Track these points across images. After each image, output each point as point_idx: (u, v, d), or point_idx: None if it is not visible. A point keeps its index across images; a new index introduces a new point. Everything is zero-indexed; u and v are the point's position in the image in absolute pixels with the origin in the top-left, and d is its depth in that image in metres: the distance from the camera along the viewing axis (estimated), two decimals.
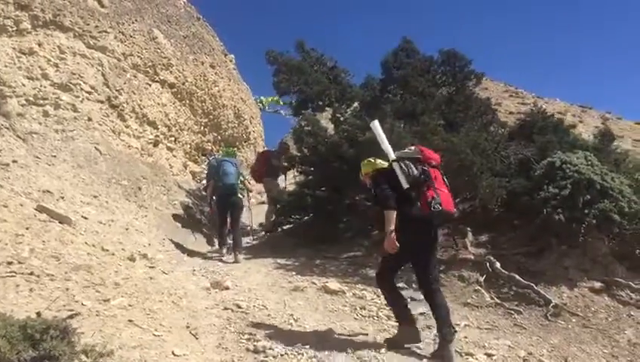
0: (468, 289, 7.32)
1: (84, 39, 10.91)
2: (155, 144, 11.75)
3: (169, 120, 12.45)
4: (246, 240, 10.71)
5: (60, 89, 10.10)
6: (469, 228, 8.37)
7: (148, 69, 12.27)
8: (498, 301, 6.83)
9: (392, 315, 5.66)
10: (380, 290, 5.40)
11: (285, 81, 11.39)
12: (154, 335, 4.09)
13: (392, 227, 4.56)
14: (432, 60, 10.17)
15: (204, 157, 14.54)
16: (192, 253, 8.84)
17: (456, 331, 4.81)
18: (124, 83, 11.26)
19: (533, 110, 9.83)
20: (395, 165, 4.79)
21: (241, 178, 9.80)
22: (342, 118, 9.90)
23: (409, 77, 9.52)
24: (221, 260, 8.66)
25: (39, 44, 10.23)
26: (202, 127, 14.57)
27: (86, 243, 5.44)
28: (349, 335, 5.14)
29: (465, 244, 8.11)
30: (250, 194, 11.23)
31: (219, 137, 15.57)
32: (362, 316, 5.92)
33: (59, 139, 9.53)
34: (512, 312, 6.56)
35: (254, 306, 5.87)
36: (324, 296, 6.65)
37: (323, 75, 11.55)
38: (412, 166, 4.75)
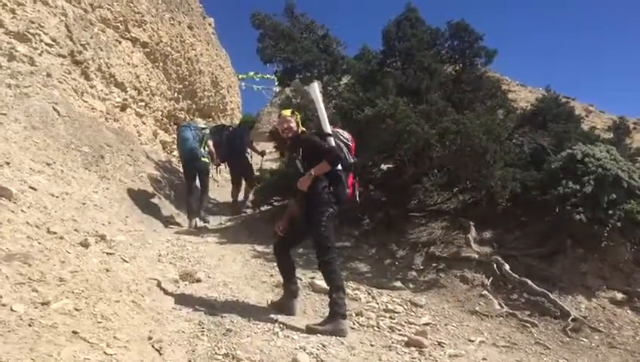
0: (472, 293, 6.49)
1: None
2: (123, 108, 10.55)
3: (139, 82, 11.23)
4: (219, 221, 9.73)
5: (16, 38, 8.84)
6: (471, 223, 7.50)
7: (118, 24, 11.00)
8: (510, 310, 5.98)
9: (395, 326, 4.88)
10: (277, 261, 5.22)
11: (271, 48, 10.31)
12: (105, 353, 3.11)
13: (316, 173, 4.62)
14: (438, 33, 9.18)
15: (175, 127, 13.39)
16: (159, 234, 7.80)
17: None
18: (91, 37, 10.01)
19: (547, 95, 8.97)
20: (332, 140, 4.81)
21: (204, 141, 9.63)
22: (334, 92, 8.88)
23: (413, 50, 8.53)
24: (191, 241, 7.64)
25: None
26: (176, 93, 13.35)
27: (27, 223, 4.37)
28: (351, 352, 4.20)
29: (467, 241, 7.25)
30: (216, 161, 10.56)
31: (193, 105, 14.37)
32: (360, 325, 5.01)
33: (11, 95, 8.29)
34: (527, 325, 5.74)
35: (231, 306, 4.93)
36: (311, 296, 5.73)
37: (313, 44, 10.50)
38: (347, 151, 4.92)
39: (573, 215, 6.38)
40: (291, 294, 5.01)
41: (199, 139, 9.44)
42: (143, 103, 11.41)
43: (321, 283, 5.96)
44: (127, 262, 5.24)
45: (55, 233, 4.50)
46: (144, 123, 11.38)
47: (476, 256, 6.92)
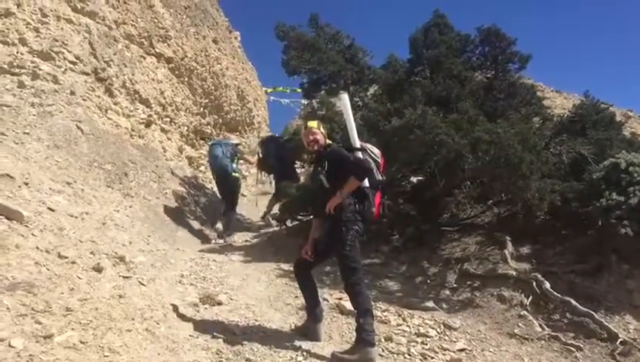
0: (511, 313, 6.08)
1: (70, 2, 9.59)
2: (148, 124, 10.45)
3: (164, 98, 11.14)
4: (245, 238, 9.51)
5: (40, 57, 8.81)
6: (507, 237, 7.10)
7: (143, 40, 10.95)
8: (552, 332, 5.57)
9: (428, 353, 4.53)
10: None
11: (296, 59, 10.08)
12: None
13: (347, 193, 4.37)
14: (468, 39, 8.82)
15: (202, 142, 13.27)
16: (182, 252, 7.58)
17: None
18: (114, 54, 9.94)
19: (585, 101, 8.51)
20: (360, 154, 4.57)
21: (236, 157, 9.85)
22: (361, 103, 8.59)
23: (442, 57, 8.19)
24: (215, 260, 7.41)
25: (18, 5, 8.91)
26: (202, 108, 13.24)
27: (37, 247, 4.17)
28: None
29: (504, 257, 6.85)
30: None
31: (220, 120, 14.24)
32: (389, 351, 4.67)
33: (34, 114, 8.24)
34: (572, 348, 5.32)
35: (252, 331, 4.65)
36: (338, 319, 5.40)
37: (339, 54, 10.24)
38: (375, 167, 4.65)
39: (617, 228, 5.93)
40: (315, 318, 4.71)
41: (230, 154, 9.53)
42: (168, 119, 11.30)
43: (349, 304, 5.67)
44: (144, 285, 5.01)
45: (67, 258, 4.28)
46: (169, 139, 11.27)
47: (514, 273, 6.52)
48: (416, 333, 5.19)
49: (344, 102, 4.90)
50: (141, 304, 4.36)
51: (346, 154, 4.48)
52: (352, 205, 4.38)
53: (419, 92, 7.42)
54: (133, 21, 10.80)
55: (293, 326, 4.93)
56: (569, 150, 7.27)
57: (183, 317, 4.67)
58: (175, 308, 4.76)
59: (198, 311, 5.04)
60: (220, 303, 5.39)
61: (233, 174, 9.51)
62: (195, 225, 9.55)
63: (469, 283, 6.71)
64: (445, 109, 7.50)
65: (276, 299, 5.87)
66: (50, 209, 5.77)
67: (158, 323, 4.18)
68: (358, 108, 8.48)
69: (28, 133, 7.74)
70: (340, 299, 5.83)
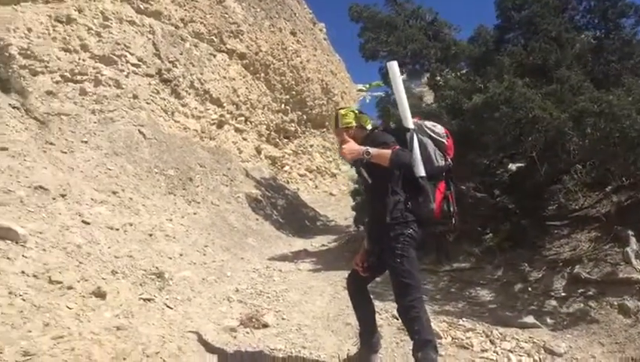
0: (637, 329, 4.68)
1: (132, 3, 9.24)
2: (220, 125, 9.89)
3: (237, 96, 10.55)
4: (323, 241, 8.67)
5: (102, 62, 8.50)
6: (630, 232, 5.63)
7: (213, 37, 10.43)
8: None
9: None
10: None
11: (372, 41, 9.04)
12: None
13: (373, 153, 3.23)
14: None
15: (285, 140, 12.60)
16: (247, 262, 6.84)
17: None
18: (181, 53, 9.47)
19: None
20: (414, 137, 3.46)
21: None
22: (442, 82, 7.40)
23: (536, 18, 6.79)
24: (280, 270, 6.60)
25: (79, 10, 8.67)
26: (283, 105, 12.56)
27: (23, 272, 3.49)
28: None
29: (627, 256, 5.42)
30: None
31: (304, 116, 13.52)
32: None
33: (95, 122, 7.90)
34: None
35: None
36: (405, 345, 4.33)
37: (420, 31, 9.05)
38: (437, 150, 3.53)
39: None
40: (370, 348, 3.68)
41: None
42: (243, 118, 10.70)
43: None
44: (170, 308, 4.27)
45: (60, 282, 3.58)
46: (245, 139, 10.66)
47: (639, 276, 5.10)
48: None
49: (392, 72, 3.78)
50: (149, 336, 3.58)
51: (385, 140, 3.38)
52: (401, 202, 3.27)
53: (506, 61, 6.14)
54: (201, 18, 10.31)
55: (346, 357, 3.95)
56: None
57: (208, 347, 3.84)
58: (200, 337, 3.94)
59: (234, 337, 4.19)
60: (265, 325, 4.52)
61: None
62: (270, 230, 8.81)
63: (581, 291, 5.33)
64: (544, 80, 6.16)
65: (335, 318, 4.91)
66: (84, 222, 5.22)
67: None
68: (439, 88, 7.31)
69: (86, 142, 7.37)
70: None
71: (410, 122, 3.56)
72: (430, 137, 3.59)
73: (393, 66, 3.81)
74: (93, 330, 3.25)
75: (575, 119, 5.12)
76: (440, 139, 3.61)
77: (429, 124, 3.71)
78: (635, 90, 5.30)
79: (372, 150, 3.19)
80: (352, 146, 3.27)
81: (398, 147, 3.32)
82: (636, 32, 6.97)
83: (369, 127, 3.76)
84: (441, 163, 3.56)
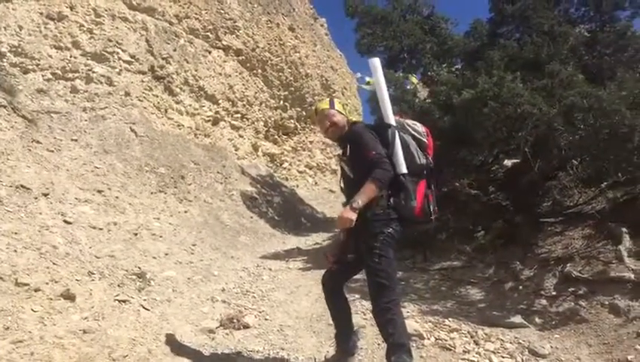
0: (627, 330, 4.54)
1: None
2: (215, 122, 9.80)
3: (233, 93, 10.45)
4: (316, 240, 8.57)
5: (94, 59, 8.43)
6: (624, 229, 5.48)
7: (208, 34, 10.33)
8: None
9: None
10: None
11: (368, 36, 8.91)
12: None
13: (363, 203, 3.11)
14: None
15: (285, 137, 12.49)
16: (237, 261, 6.75)
17: None
18: (174, 50, 9.38)
19: None
20: (395, 133, 3.36)
21: None
22: (435, 78, 7.26)
23: (529, 11, 6.63)
24: (270, 269, 6.50)
25: (71, 7, 8.59)
26: (281, 101, 12.45)
27: None
28: None
29: (619, 255, 5.27)
30: None
31: (303, 112, 13.38)
32: None
33: (86, 120, 7.83)
34: None
35: None
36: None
37: (416, 26, 8.91)
38: (417, 149, 3.46)
39: None
40: (346, 351, 3.57)
41: None
42: (239, 115, 10.61)
43: (414, 324, 4.55)
44: (147, 309, 4.18)
45: (27, 285, 3.51)
46: (241, 136, 10.56)
47: (632, 275, 4.94)
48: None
49: (374, 68, 3.67)
50: (118, 338, 3.50)
51: (366, 141, 3.27)
52: (383, 198, 3.15)
53: (496, 55, 5.99)
54: (196, 14, 10.21)
55: (323, 359, 3.85)
56: None
57: (180, 350, 3.74)
58: (172, 340, 3.84)
59: (212, 339, 4.10)
60: (246, 326, 4.41)
61: None
62: (264, 228, 8.71)
63: (572, 289, 5.18)
64: (536, 74, 6.01)
65: (319, 319, 4.80)
66: (66, 222, 5.16)
67: None
68: (432, 84, 7.17)
69: (76, 140, 7.31)
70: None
71: (391, 119, 3.45)
72: (412, 135, 3.50)
73: (375, 62, 3.72)
74: (57, 334, 3.17)
75: (564, 114, 4.98)
76: (420, 137, 3.54)
77: (409, 122, 3.62)
78: (626, 84, 5.14)
79: (359, 201, 3.09)
80: (345, 218, 3.13)
81: (374, 153, 3.20)
82: (631, 25, 6.80)
83: (352, 118, 3.69)
84: (423, 161, 3.45)
